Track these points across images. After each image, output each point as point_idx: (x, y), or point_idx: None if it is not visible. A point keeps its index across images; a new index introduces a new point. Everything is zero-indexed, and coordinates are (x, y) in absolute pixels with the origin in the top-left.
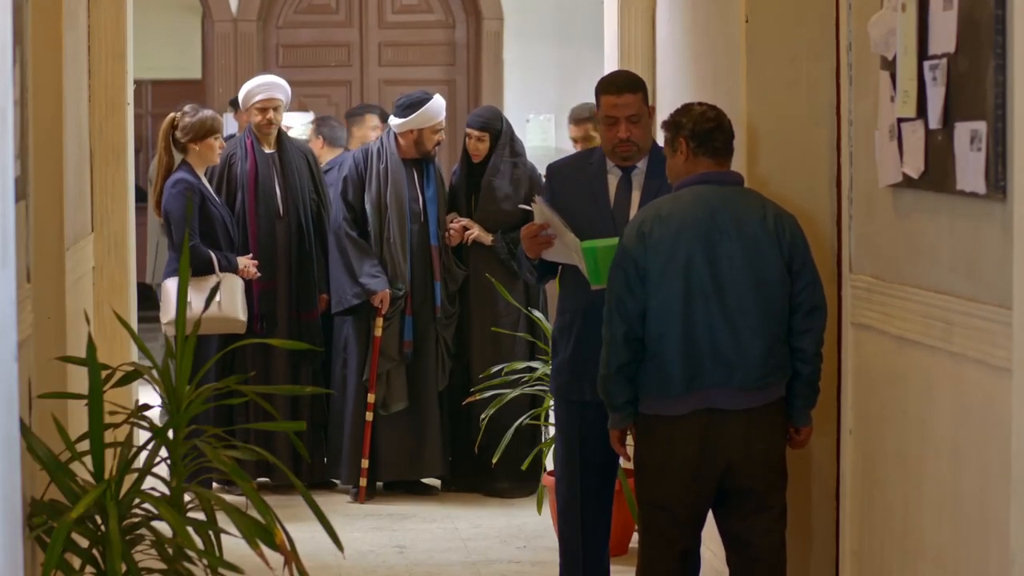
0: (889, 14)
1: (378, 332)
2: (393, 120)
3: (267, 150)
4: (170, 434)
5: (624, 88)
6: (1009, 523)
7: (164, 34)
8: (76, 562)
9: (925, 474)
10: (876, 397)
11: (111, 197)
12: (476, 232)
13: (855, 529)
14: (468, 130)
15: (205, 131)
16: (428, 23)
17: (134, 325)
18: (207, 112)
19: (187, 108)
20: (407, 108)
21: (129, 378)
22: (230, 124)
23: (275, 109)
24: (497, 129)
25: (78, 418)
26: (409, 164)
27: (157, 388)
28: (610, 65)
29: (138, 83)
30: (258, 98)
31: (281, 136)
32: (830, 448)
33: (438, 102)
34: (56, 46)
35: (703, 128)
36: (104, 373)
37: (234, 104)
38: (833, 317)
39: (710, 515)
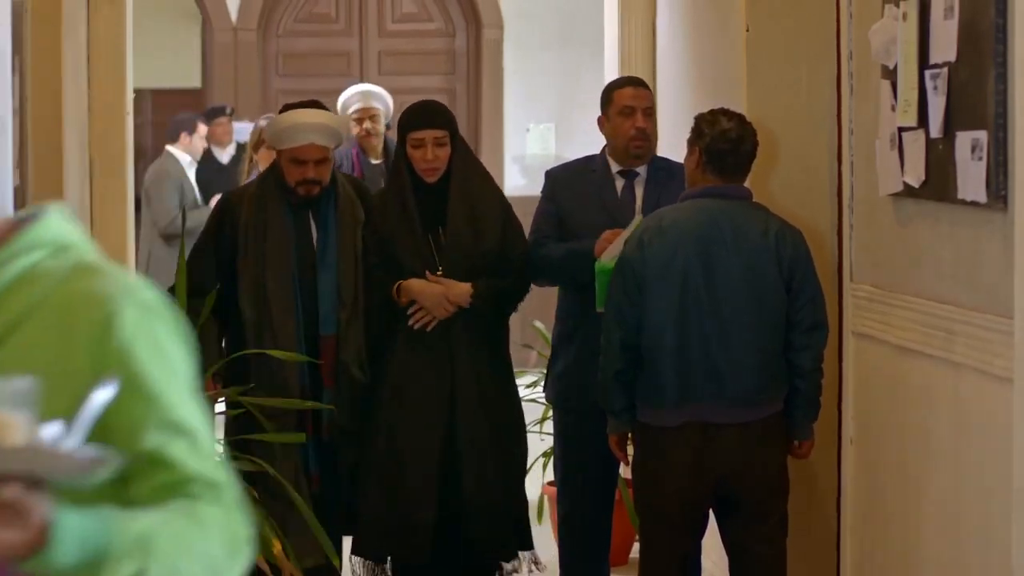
0: (890, 23)
1: None
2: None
3: (374, 161)
4: None
5: (641, 83)
6: (1010, 533)
7: (164, 43)
8: None
9: (926, 483)
10: (877, 407)
11: (110, 206)
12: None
13: (856, 539)
14: (416, 135)
15: (256, 143)
16: (428, 32)
17: None
18: (259, 122)
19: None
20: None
21: None
22: (241, 133)
23: (372, 119)
24: (455, 129)
25: None
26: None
27: None
28: (610, 73)
29: (138, 92)
30: (353, 108)
31: (388, 146)
32: (831, 458)
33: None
34: (55, 55)
35: (717, 148)
36: None
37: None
38: (834, 326)
39: (712, 524)
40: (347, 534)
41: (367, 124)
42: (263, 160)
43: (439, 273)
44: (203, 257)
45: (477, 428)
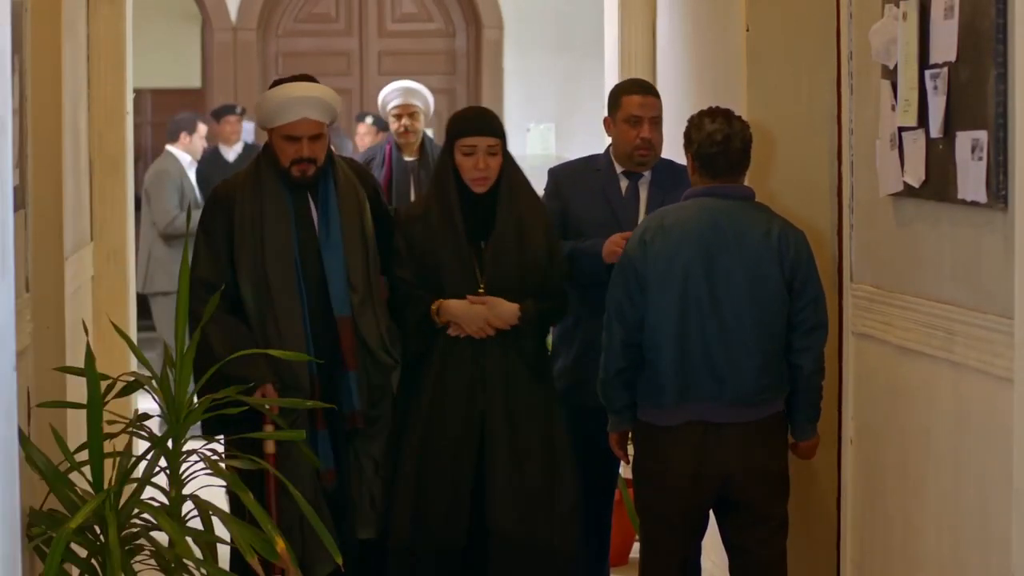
0: (890, 23)
1: (269, 448)
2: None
3: (407, 158)
4: (169, 444)
5: (650, 90)
6: (1010, 533)
7: (164, 43)
8: (75, 572)
9: (926, 484)
10: (877, 407)
11: (110, 206)
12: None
13: (856, 539)
14: (467, 141)
15: None
16: (428, 32)
17: (133, 335)
18: None
19: None
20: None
21: (129, 389)
22: (249, 133)
23: (411, 116)
24: (506, 138)
25: (77, 427)
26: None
27: (156, 397)
28: (610, 74)
29: (138, 92)
30: (392, 104)
31: (425, 144)
32: (831, 458)
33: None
34: (55, 55)
35: (706, 152)
36: (104, 383)
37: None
38: (834, 326)
39: (712, 525)
40: (366, 536)
41: (405, 121)
42: None
43: (480, 291)
44: (206, 253)
45: (505, 457)
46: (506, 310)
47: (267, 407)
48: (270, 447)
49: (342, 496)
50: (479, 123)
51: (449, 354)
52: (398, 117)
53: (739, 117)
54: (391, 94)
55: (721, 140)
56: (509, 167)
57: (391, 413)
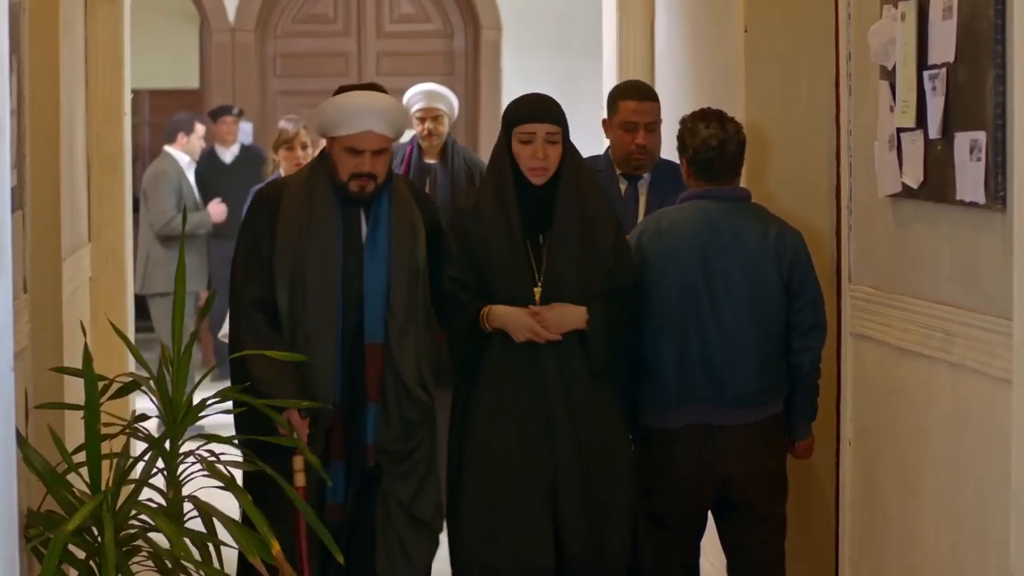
0: (888, 24)
1: (299, 481)
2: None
3: (428, 160)
4: (167, 445)
5: (647, 95)
6: (1009, 534)
7: (162, 43)
8: (72, 574)
9: (925, 485)
10: (875, 408)
11: (108, 207)
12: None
13: (854, 540)
14: (526, 128)
15: (276, 143)
16: (426, 32)
17: (131, 335)
18: (280, 124)
19: (291, 117)
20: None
21: (126, 389)
22: (246, 134)
23: (435, 119)
24: (567, 126)
25: (75, 428)
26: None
27: (154, 398)
28: (608, 74)
29: (136, 92)
30: (415, 107)
31: (446, 148)
32: (829, 459)
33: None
34: (53, 55)
35: (702, 157)
36: (101, 384)
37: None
38: (832, 327)
39: (710, 526)
40: None
41: (428, 124)
42: (284, 160)
43: (537, 290)
44: (255, 267)
45: (572, 478)
46: (571, 315)
47: (295, 436)
48: (300, 480)
49: (365, 539)
50: (538, 109)
51: (505, 362)
52: (421, 120)
53: (732, 119)
54: (415, 97)
55: (716, 145)
56: (571, 157)
57: (430, 452)
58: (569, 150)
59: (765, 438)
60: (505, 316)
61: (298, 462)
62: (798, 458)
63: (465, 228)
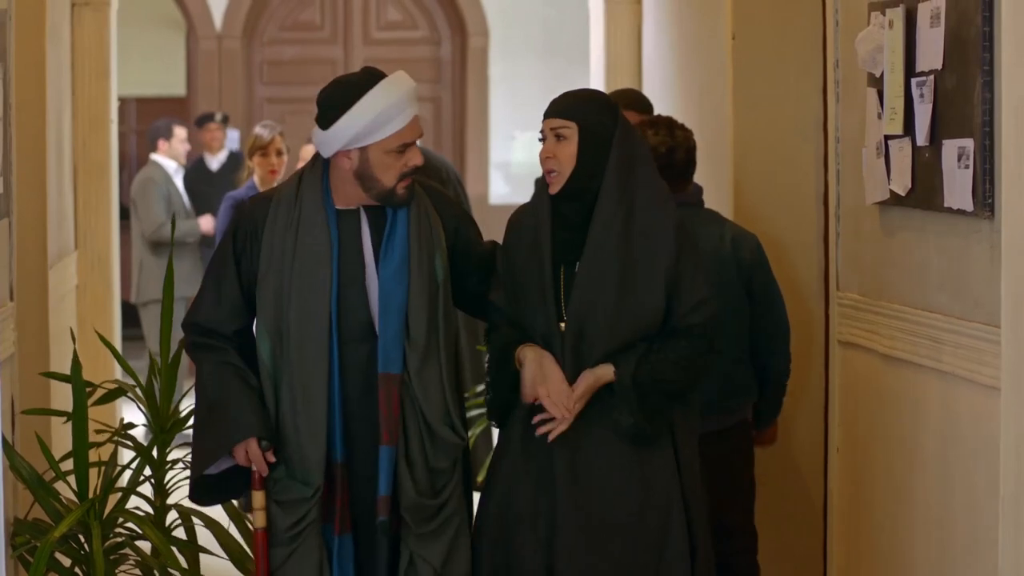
0: (876, 31)
1: (260, 521)
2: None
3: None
4: (154, 453)
5: (632, 104)
6: (997, 542)
7: (148, 51)
8: None
9: (913, 493)
10: (863, 416)
11: (94, 215)
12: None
13: (843, 548)
14: (542, 128)
15: (251, 149)
16: (413, 40)
17: (117, 343)
18: (255, 130)
19: (267, 123)
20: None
21: (112, 396)
22: (233, 141)
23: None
24: (593, 121)
25: (62, 436)
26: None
27: (141, 407)
28: (596, 81)
29: (122, 100)
30: None
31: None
32: (817, 466)
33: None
34: (39, 63)
35: None
36: (87, 390)
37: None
38: (820, 335)
39: None
40: None
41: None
42: (259, 167)
43: (561, 329)
44: (211, 293)
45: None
46: (583, 387)
47: (254, 468)
48: (260, 520)
49: None
50: (552, 103)
51: (529, 427)
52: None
53: (681, 125)
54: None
55: (665, 152)
56: (616, 165)
57: (461, 505)
58: (608, 155)
59: (730, 446)
60: (525, 368)
61: (258, 499)
62: (761, 446)
63: (508, 244)
